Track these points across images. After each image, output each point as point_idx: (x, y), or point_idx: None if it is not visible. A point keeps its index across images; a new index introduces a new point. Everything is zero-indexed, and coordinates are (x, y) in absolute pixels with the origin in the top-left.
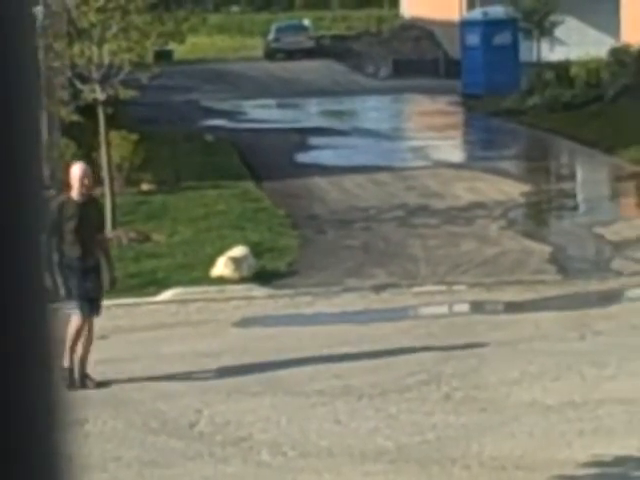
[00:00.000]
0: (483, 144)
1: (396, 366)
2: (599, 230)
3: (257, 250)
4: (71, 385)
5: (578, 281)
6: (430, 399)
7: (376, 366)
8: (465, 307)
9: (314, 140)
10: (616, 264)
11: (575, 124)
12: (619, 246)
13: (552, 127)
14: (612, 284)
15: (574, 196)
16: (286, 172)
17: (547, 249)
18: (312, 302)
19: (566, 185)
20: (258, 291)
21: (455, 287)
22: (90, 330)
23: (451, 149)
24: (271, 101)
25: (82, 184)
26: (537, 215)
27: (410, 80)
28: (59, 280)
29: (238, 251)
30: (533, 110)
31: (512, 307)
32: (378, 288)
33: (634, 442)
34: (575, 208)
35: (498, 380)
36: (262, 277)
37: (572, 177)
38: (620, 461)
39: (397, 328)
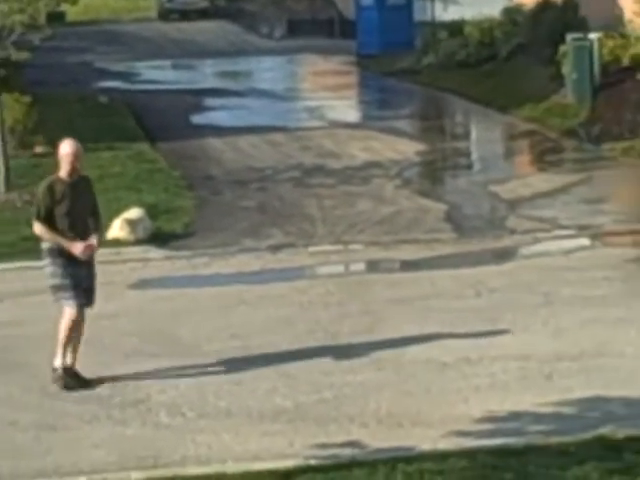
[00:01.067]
0: (378, 104)
1: (294, 326)
2: (494, 188)
3: (153, 212)
4: (70, 385)
5: (473, 239)
6: (327, 358)
7: (274, 326)
8: (361, 266)
9: (209, 101)
10: (510, 222)
11: (469, 83)
12: (513, 204)
13: (446, 86)
14: (507, 242)
15: (469, 155)
16: (181, 133)
17: (442, 207)
18: (209, 263)
19: (461, 144)
20: (154, 253)
21: (351, 246)
22: (83, 321)
23: (346, 109)
24: (166, 62)
25: (71, 164)
26: (432, 174)
27: (305, 40)
28: (54, 269)
29: (134, 213)
30: (428, 69)
31: (408, 265)
32: (275, 248)
33: (528, 397)
34: (470, 167)
35: (395, 338)
36: (158, 239)
37: (467, 136)
38: (515, 416)
39: (294, 288)
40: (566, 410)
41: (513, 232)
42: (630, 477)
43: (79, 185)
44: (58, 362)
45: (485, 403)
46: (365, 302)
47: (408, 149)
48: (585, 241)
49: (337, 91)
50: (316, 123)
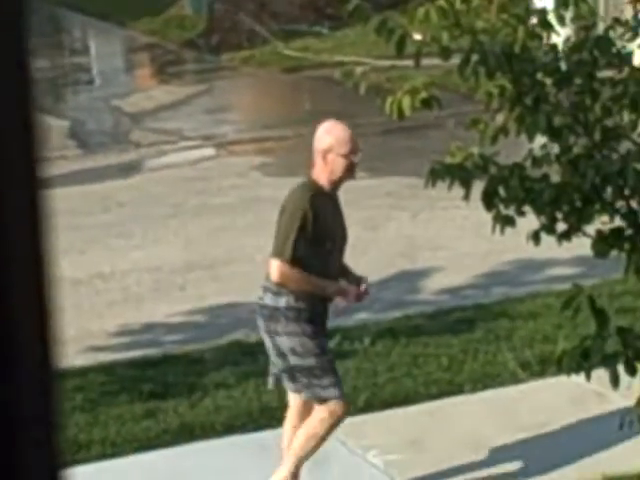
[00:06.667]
0: None
1: None
2: (116, 102)
3: None
4: None
5: (98, 154)
6: None
7: None
8: None
9: None
10: (135, 135)
11: None
12: (136, 117)
13: (61, 0)
14: (132, 155)
15: (89, 70)
16: None
17: (65, 124)
18: None
19: (81, 59)
20: None
21: None
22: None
23: None
24: None
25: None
26: (53, 90)
27: None
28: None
29: None
30: None
31: None
32: None
33: (163, 308)
34: (91, 82)
35: None
36: None
37: (86, 51)
38: (150, 328)
39: None
40: (200, 318)
41: (138, 145)
42: (265, 377)
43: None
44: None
45: (120, 317)
46: None
47: None
48: (210, 151)
49: None
50: None
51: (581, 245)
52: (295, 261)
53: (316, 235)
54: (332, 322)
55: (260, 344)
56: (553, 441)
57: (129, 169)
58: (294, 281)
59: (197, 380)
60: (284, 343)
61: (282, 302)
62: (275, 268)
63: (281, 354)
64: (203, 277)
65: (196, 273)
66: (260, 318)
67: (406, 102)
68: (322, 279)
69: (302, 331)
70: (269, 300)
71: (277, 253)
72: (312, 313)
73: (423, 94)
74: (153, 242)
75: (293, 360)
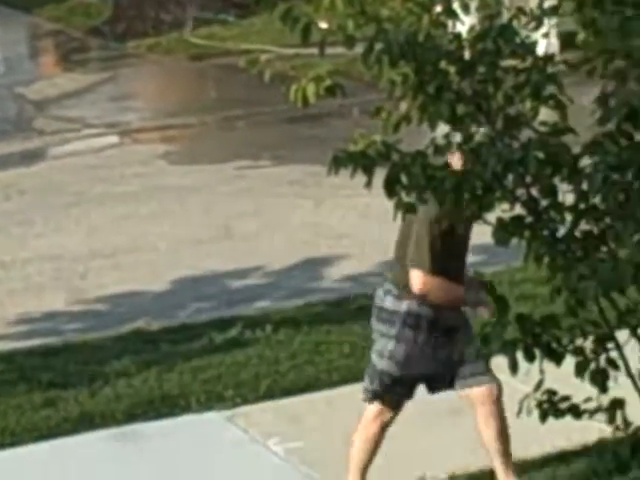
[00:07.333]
0: None
1: None
2: (20, 90)
3: None
4: None
5: (1, 142)
6: None
7: None
8: None
9: None
10: (39, 123)
11: None
12: (40, 105)
13: None
14: (36, 143)
15: None
16: None
17: None
18: None
19: None
20: None
21: None
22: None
23: None
24: None
25: None
26: None
27: None
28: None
29: None
30: None
31: None
32: None
33: (64, 297)
34: None
35: None
36: None
37: None
38: (51, 317)
39: None
40: (101, 307)
41: (41, 133)
42: (167, 366)
43: None
44: None
45: (20, 305)
46: None
47: None
48: (114, 139)
49: None
50: None
51: (482, 233)
52: (434, 270)
53: (449, 241)
54: (233, 310)
55: (161, 332)
56: (453, 427)
57: (32, 157)
58: (438, 291)
59: (98, 369)
60: (389, 345)
61: (403, 306)
62: (417, 279)
63: (381, 356)
64: (105, 265)
65: (98, 261)
66: (376, 320)
67: (310, 89)
68: (461, 288)
69: (414, 339)
70: (389, 303)
71: (417, 264)
72: (435, 321)
73: (327, 82)
74: (55, 230)
75: (385, 364)
